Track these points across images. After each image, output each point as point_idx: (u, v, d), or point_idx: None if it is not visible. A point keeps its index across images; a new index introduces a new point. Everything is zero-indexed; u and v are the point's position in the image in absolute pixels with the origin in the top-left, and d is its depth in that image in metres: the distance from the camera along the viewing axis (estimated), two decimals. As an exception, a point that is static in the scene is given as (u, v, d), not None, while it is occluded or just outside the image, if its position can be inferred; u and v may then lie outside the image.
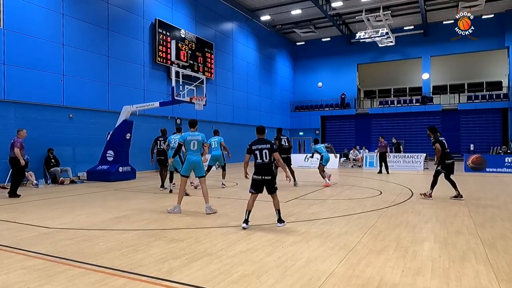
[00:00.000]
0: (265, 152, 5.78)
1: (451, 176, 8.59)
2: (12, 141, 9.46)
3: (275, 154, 5.84)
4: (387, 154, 16.49)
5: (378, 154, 16.88)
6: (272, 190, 5.79)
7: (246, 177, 6.04)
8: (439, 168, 8.64)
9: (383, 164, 16.48)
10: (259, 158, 5.77)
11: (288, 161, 11.21)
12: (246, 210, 5.73)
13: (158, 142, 10.99)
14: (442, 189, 10.46)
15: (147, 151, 17.04)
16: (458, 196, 8.58)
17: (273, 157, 5.87)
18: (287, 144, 11.50)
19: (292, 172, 11.16)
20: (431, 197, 8.63)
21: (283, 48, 31.61)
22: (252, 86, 26.80)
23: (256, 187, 5.79)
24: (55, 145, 13.09)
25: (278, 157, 5.88)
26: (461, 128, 27.31)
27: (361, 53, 30.52)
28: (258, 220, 6.25)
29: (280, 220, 5.75)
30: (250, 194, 5.83)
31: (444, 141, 8.71)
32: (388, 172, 16.11)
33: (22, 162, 9.27)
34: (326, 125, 32.08)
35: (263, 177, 5.72)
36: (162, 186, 10.80)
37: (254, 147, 5.84)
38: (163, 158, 10.84)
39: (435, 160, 8.84)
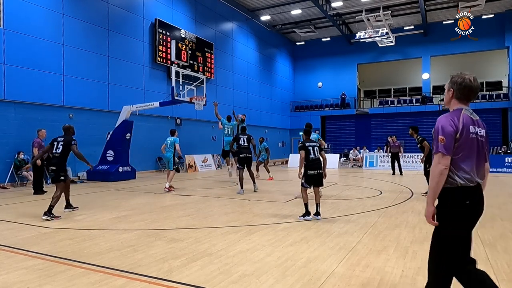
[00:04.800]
0: (316, 149, 6.51)
1: None
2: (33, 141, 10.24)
3: (322, 152, 6.65)
4: (400, 154, 15.82)
5: (390, 154, 16.33)
6: (321, 183, 6.52)
7: (299, 176, 6.52)
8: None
9: (395, 164, 15.87)
10: (312, 153, 6.44)
11: (247, 162, 10.00)
12: (305, 204, 6.34)
13: (55, 143, 7.01)
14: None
15: (146, 151, 17.30)
16: None
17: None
18: (246, 143, 10.06)
19: (252, 175, 10.38)
20: None
21: (283, 48, 31.58)
22: (252, 86, 26.78)
23: (310, 181, 6.40)
24: (55, 145, 13.07)
25: (324, 156, 6.68)
26: (461, 128, 27.19)
27: (361, 53, 30.48)
28: (259, 220, 6.27)
29: (318, 213, 6.34)
30: (303, 188, 6.41)
31: None
32: (401, 173, 15.48)
33: (39, 162, 9.67)
34: (326, 125, 32.05)
35: (318, 171, 6.41)
36: (69, 206, 7.42)
37: (307, 144, 6.52)
38: (55, 168, 6.85)
39: (423, 157, 9.35)
